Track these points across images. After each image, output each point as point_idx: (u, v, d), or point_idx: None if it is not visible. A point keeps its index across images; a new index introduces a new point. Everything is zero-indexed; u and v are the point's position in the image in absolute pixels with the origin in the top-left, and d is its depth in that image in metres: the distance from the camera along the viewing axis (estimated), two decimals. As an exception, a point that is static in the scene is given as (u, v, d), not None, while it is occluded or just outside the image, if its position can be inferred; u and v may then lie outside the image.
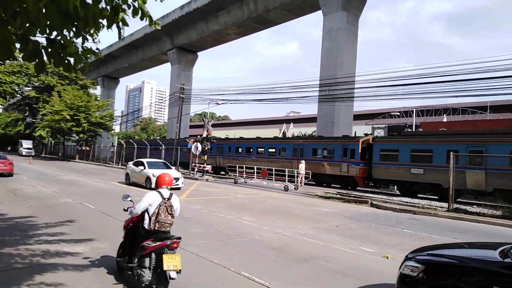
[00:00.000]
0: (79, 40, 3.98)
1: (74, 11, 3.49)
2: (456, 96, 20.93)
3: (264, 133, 45.48)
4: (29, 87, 55.40)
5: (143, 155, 38.41)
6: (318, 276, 5.71)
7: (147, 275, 4.54)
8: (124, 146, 42.59)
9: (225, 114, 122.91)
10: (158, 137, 68.03)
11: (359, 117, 48.74)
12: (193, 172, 27.32)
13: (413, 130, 35.87)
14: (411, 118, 40.06)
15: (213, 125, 38.95)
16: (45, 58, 3.87)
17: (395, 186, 22.68)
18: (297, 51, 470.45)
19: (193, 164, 27.84)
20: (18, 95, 58.63)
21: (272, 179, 22.02)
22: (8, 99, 59.64)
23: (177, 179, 17.26)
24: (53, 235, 7.37)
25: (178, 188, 17.29)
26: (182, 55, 51.02)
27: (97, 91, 64.26)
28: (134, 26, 60.72)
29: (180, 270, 4.47)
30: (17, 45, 4.14)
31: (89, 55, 4.04)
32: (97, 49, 4.17)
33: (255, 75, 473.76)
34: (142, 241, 4.62)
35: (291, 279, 5.54)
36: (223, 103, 33.23)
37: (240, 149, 31.92)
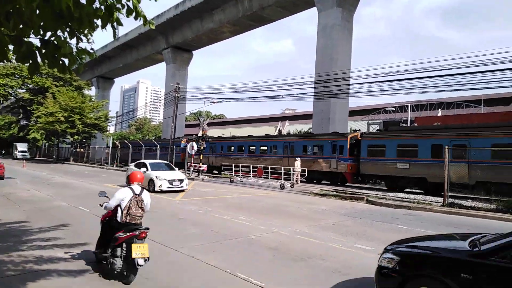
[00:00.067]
0: (74, 40, 3.93)
1: (68, 11, 3.44)
2: (450, 90, 21.17)
3: (260, 131, 45.47)
4: (23, 89, 54.99)
5: (138, 156, 38.24)
6: (315, 275, 5.69)
7: (118, 263, 5.08)
8: (119, 147, 42.40)
9: (221, 113, 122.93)
10: (153, 137, 67.80)
11: (354, 113, 48.82)
12: (188, 172, 27.24)
13: (408, 125, 36.02)
14: (406, 113, 40.21)
15: (209, 124, 38.93)
16: (39, 59, 3.82)
17: (383, 181, 22.89)
18: (292, 48, 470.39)
19: (189, 164, 27.75)
20: (12, 98, 58.19)
21: (268, 177, 22.01)
22: (1, 102, 59.23)
23: (181, 180, 17.02)
24: (46, 240, 7.29)
25: (182, 190, 16.95)
26: (177, 54, 50.78)
27: (91, 92, 63.90)
28: (129, 26, 60.46)
29: (148, 258, 5.02)
30: (10, 47, 4.09)
31: (83, 56, 3.99)
32: (91, 49, 4.12)
33: (251, 73, 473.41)
34: (115, 233, 5.11)
35: (288, 279, 5.51)
36: (218, 102, 33.20)
37: (232, 148, 32.11)
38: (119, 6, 3.67)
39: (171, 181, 16.49)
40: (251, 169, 23.00)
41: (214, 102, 33.74)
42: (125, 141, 50.45)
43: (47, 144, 64.48)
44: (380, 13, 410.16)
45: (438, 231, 9.35)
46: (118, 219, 5.24)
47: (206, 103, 34.63)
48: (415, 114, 41.45)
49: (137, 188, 5.40)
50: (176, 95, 32.54)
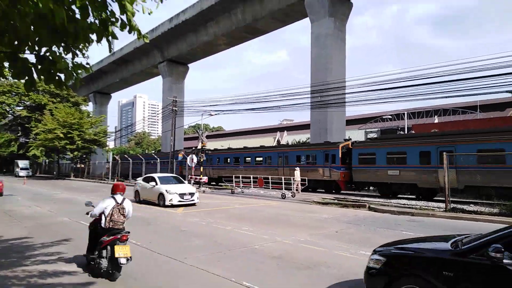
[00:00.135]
0: (69, 56, 3.98)
1: (63, 27, 3.49)
2: (446, 97, 21.39)
3: (258, 142, 45.57)
4: (20, 106, 55.06)
5: (139, 170, 38.23)
6: (321, 283, 5.67)
7: (104, 263, 5.75)
8: (119, 161, 42.33)
9: (219, 125, 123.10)
10: (153, 151, 67.76)
11: (351, 122, 49.02)
12: (189, 184, 27.17)
13: (406, 132, 36.17)
14: (403, 120, 40.41)
15: (208, 137, 38.96)
16: (35, 75, 3.86)
17: (376, 188, 23.31)
18: (286, 58, 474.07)
19: (189, 176, 27.73)
20: (10, 115, 58.21)
21: (269, 187, 22.00)
22: (-1, 120, 59.21)
23: (192, 194, 16.45)
24: (49, 254, 7.27)
25: (194, 204, 16.43)
26: (173, 68, 51.10)
27: (89, 107, 64.05)
28: (124, 40, 61.03)
29: (130, 257, 5.71)
30: (6, 64, 4.13)
31: (79, 70, 4.04)
32: (87, 64, 4.16)
33: (247, 84, 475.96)
34: (101, 237, 5.86)
35: (293, 287, 5.50)
36: (216, 114, 33.33)
37: (228, 160, 32.61)
38: (113, 19, 3.72)
39: (181, 195, 15.98)
40: (251, 179, 23.01)
41: (212, 115, 33.88)
42: (125, 155, 50.40)
43: (47, 160, 64.24)
44: (372, 22, 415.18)
45: (441, 235, 9.34)
46: (102, 225, 5.94)
47: (204, 116, 34.79)
48: (412, 121, 41.65)
49: (119, 197, 6.12)
50: (174, 108, 32.67)
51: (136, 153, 66.71)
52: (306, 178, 22.57)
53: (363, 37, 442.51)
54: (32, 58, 3.88)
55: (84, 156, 50.11)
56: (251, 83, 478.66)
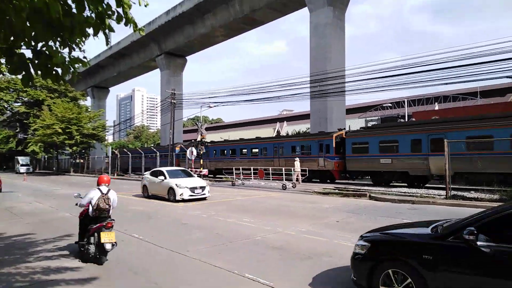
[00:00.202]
0: (66, 50, 3.93)
1: (58, 21, 3.44)
2: (446, 84, 21.27)
3: (258, 133, 45.48)
4: (18, 102, 54.89)
5: (138, 164, 38.26)
6: (323, 272, 5.69)
7: (92, 248, 6.26)
8: (118, 156, 42.33)
9: (218, 117, 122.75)
10: (152, 145, 67.74)
11: (352, 111, 48.93)
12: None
13: (406, 120, 36.11)
14: (403, 108, 40.33)
15: (207, 129, 38.90)
16: (32, 70, 3.82)
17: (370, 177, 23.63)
18: (285, 48, 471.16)
19: (189, 169, 27.75)
20: (8, 112, 58.05)
21: (270, 179, 22.03)
22: (-3, 117, 59.08)
23: (203, 187, 15.79)
24: (52, 250, 7.28)
25: (205, 198, 15.83)
26: (171, 60, 50.82)
27: (87, 102, 63.87)
28: (121, 34, 60.50)
29: (116, 243, 6.29)
30: (2, 60, 4.08)
31: (77, 64, 3.99)
32: (84, 57, 4.11)
33: (246, 75, 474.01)
34: (89, 225, 6.42)
35: (296, 277, 5.51)
36: (215, 106, 33.22)
37: (225, 152, 32.89)
38: (109, 12, 3.67)
39: (192, 189, 15.35)
40: (252, 171, 23.04)
41: (211, 107, 33.77)
42: (124, 149, 50.40)
43: (46, 156, 64.31)
44: (371, 10, 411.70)
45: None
46: (90, 214, 6.46)
47: (203, 108, 34.67)
48: (412, 109, 41.57)
49: (104, 188, 6.62)
50: (172, 101, 32.54)
51: (135, 147, 66.70)
52: (303, 168, 22.62)
53: (362, 26, 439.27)
54: (28, 53, 3.84)
55: (83, 151, 50.13)
56: (249, 74, 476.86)
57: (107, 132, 54.74)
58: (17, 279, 5.56)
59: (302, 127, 54.44)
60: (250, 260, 6.43)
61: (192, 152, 26.41)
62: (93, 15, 3.64)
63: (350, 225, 9.54)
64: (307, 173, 22.34)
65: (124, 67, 58.63)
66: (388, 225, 5.71)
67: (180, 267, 6.17)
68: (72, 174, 47.27)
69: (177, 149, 33.80)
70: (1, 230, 9.56)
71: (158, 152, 35.33)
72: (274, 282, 5.25)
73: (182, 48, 49.11)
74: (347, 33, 33.27)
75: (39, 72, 3.88)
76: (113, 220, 6.46)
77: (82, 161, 51.98)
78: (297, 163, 22.63)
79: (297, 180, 21.66)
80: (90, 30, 3.78)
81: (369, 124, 36.85)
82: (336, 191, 17.51)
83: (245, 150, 31.00)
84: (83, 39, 3.97)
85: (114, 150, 48.19)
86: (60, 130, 42.16)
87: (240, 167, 24.20)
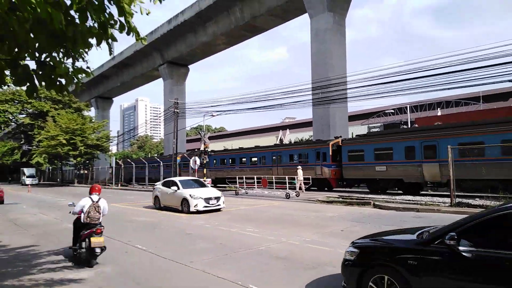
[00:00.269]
0: (70, 61, 3.97)
1: (61, 31, 3.48)
2: (448, 89, 21.15)
3: (261, 141, 45.53)
4: (23, 114, 55.35)
5: (142, 174, 38.31)
6: (327, 282, 5.64)
7: (83, 252, 6.85)
8: (122, 166, 42.42)
9: (221, 126, 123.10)
10: (156, 154, 67.89)
11: (354, 117, 48.88)
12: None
13: (409, 126, 36.01)
14: (406, 114, 40.21)
15: (210, 138, 39.00)
16: (36, 81, 3.86)
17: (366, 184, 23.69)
18: (286, 55, 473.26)
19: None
20: (13, 123, 58.52)
21: (273, 188, 21.97)
22: (2, 128, 59.52)
23: (217, 198, 15.11)
24: (56, 262, 7.28)
25: (219, 210, 15.16)
26: (174, 70, 51.16)
27: (91, 113, 64.31)
28: (124, 44, 61.11)
29: (105, 247, 6.84)
30: (7, 72, 4.13)
31: (80, 75, 4.03)
32: (87, 67, 4.15)
33: (248, 83, 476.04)
34: (81, 231, 7.02)
35: (300, 288, 5.47)
36: (218, 115, 33.34)
37: (225, 161, 33.06)
38: (112, 22, 3.71)
39: (207, 200, 14.68)
40: (255, 180, 23.02)
41: (214, 115, 33.90)
42: (128, 159, 50.52)
43: (50, 168, 64.57)
44: (372, 15, 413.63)
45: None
46: (82, 221, 7.04)
47: (206, 117, 34.79)
48: (415, 115, 41.43)
49: (95, 197, 7.18)
50: (175, 110, 32.70)
51: (139, 157, 66.86)
52: (310, 177, 22.58)
53: (363, 30, 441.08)
54: (32, 65, 3.88)
55: (87, 161, 50.28)
56: (252, 81, 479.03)
57: (111, 142, 55.00)
58: (20, 292, 5.55)
59: (305, 134, 54.42)
60: (253, 270, 6.39)
61: (195, 161, 26.43)
62: (95, 24, 3.68)
63: (354, 234, 9.46)
64: (310, 181, 22.28)
65: (128, 77, 59.06)
66: (379, 231, 5.79)
67: (183, 278, 6.14)
68: (76, 185, 47.37)
69: (178, 158, 33.85)
70: (5, 242, 9.57)
71: (161, 162, 35.40)
72: (278, 293, 5.20)
73: (185, 57, 49.46)
74: (348, 37, 33.44)
75: (43, 83, 3.92)
76: (103, 226, 7.01)
77: (86, 172, 52.13)
78: (299, 171, 22.55)
79: (300, 188, 21.58)
80: (93, 40, 3.83)
81: (372, 131, 36.78)
82: (340, 199, 17.43)
83: (245, 159, 31.19)
84: (86, 49, 4.02)
85: (118, 161, 48.32)
86: (64, 141, 42.39)
87: (244, 176, 24.17)
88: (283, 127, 68.98)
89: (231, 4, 37.89)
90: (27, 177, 53.49)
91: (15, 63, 3.86)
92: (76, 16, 3.54)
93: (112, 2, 3.63)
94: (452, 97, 42.35)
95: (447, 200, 14.68)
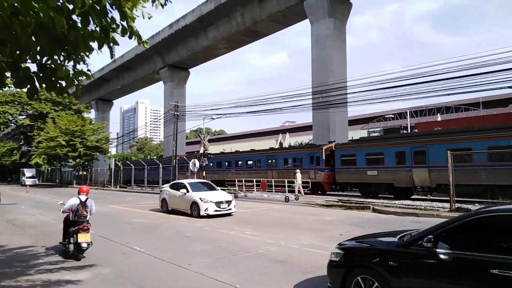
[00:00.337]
0: (71, 63, 3.98)
1: (63, 35, 3.48)
2: (448, 94, 21.19)
3: (260, 145, 45.46)
4: (22, 115, 55.36)
5: (141, 176, 38.24)
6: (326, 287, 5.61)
7: (71, 247, 7.46)
8: (121, 168, 42.36)
9: (221, 129, 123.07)
10: (155, 157, 67.84)
11: (354, 122, 48.93)
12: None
13: (408, 131, 36.05)
14: (405, 119, 40.25)
15: (209, 140, 39.00)
16: (36, 84, 3.86)
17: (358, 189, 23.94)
18: (287, 60, 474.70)
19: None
20: (12, 124, 58.51)
21: (272, 191, 21.94)
22: (2, 129, 59.53)
23: (229, 202, 14.45)
24: (54, 263, 7.25)
25: (230, 214, 14.49)
26: (174, 73, 51.25)
27: (91, 114, 64.31)
28: (125, 47, 61.15)
29: (91, 243, 7.48)
30: (8, 74, 4.13)
31: (81, 77, 4.03)
32: (88, 70, 4.15)
33: (249, 87, 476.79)
34: (69, 228, 7.60)
35: (298, 292, 5.44)
36: (218, 118, 33.36)
37: (221, 164, 33.38)
38: (114, 26, 3.72)
39: (218, 203, 14.08)
40: (254, 183, 23.00)
41: (214, 118, 33.89)
42: (127, 161, 50.47)
43: (49, 168, 64.50)
44: (373, 21, 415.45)
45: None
46: (71, 219, 7.62)
47: (205, 120, 34.80)
48: (415, 120, 41.49)
49: (83, 197, 7.73)
50: (176, 113, 32.72)
51: (138, 158, 66.85)
52: (309, 180, 22.57)
53: (364, 36, 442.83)
54: (33, 67, 3.88)
55: (87, 163, 50.23)
56: (252, 85, 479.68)
57: (111, 144, 54.97)
58: (17, 293, 5.52)
59: (305, 138, 54.41)
60: (252, 274, 6.37)
61: (194, 164, 26.42)
62: (97, 28, 3.68)
63: (353, 237, 9.43)
64: (309, 185, 22.25)
65: (128, 80, 59.14)
66: (365, 234, 5.92)
67: (181, 280, 6.11)
68: (75, 186, 47.25)
69: (175, 161, 33.84)
70: (3, 242, 9.53)
71: (160, 164, 35.36)
72: (277, 296, 5.18)
73: (185, 61, 49.59)
74: (349, 43, 33.64)
75: (44, 86, 3.92)
76: (89, 224, 7.65)
77: (85, 173, 52.07)
78: (298, 175, 22.50)
79: (299, 192, 21.54)
80: (95, 44, 3.83)
81: (372, 135, 36.81)
82: (339, 203, 17.40)
83: (240, 162, 31.51)
84: (87, 53, 4.03)
85: (117, 162, 48.28)
86: (63, 143, 42.35)
87: (243, 179, 24.15)
88: (283, 131, 68.98)
89: (232, 9, 38.03)
90: (27, 177, 53.37)
91: (16, 65, 3.86)
92: (78, 21, 3.55)
93: (114, 6, 3.63)
94: (452, 102, 42.42)
95: (447, 205, 14.67)
